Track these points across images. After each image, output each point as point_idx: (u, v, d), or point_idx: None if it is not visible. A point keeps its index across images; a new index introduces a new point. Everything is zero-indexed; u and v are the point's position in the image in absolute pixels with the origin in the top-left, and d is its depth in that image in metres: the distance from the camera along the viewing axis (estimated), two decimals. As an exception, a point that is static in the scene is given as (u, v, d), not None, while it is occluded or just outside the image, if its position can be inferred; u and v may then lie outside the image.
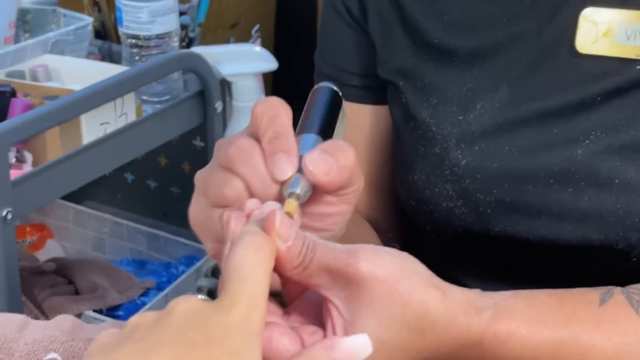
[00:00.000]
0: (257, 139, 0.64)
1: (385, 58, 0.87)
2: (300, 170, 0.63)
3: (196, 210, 0.67)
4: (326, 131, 0.67)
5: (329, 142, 0.64)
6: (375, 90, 0.92)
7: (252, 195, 0.63)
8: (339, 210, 0.66)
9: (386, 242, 0.96)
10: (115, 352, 0.49)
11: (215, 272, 1.26)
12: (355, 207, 0.95)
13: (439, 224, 0.82)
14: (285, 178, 0.62)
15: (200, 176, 0.68)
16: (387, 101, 0.92)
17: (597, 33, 0.76)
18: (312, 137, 0.66)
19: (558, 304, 0.63)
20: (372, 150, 0.95)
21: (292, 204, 0.61)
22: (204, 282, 1.26)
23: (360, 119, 0.94)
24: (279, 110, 0.64)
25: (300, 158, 0.63)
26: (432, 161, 0.81)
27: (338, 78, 0.93)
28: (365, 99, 0.93)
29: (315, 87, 0.71)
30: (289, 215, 0.60)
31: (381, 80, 0.90)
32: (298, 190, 0.62)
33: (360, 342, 0.56)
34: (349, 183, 0.64)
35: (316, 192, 0.64)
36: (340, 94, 0.70)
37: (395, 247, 0.84)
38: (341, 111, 0.71)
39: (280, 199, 0.62)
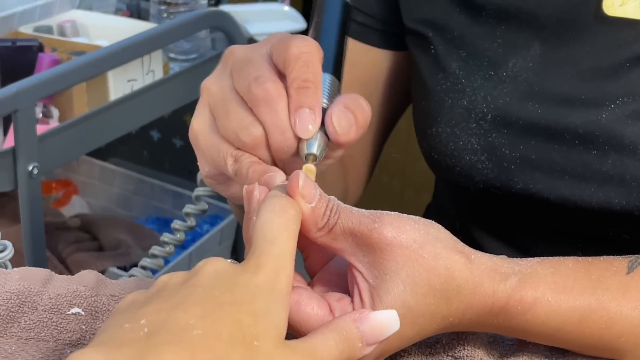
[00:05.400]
0: (280, 70, 0.62)
1: (412, 7, 0.86)
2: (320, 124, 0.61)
3: (202, 128, 0.65)
4: (339, 67, 0.66)
5: (349, 98, 0.63)
6: (377, 32, 0.91)
7: (269, 142, 0.62)
8: (334, 154, 0.65)
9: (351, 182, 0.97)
10: (143, 309, 0.49)
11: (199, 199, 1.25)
12: None
13: (460, 178, 0.82)
14: (308, 137, 0.61)
15: (211, 90, 0.64)
16: (385, 45, 0.91)
17: None
18: (327, 77, 0.63)
19: (585, 272, 0.63)
20: (361, 87, 0.93)
21: (310, 169, 0.60)
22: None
23: (355, 55, 0.92)
24: (315, 55, 0.62)
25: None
26: (458, 114, 0.80)
27: None
28: (364, 37, 0.92)
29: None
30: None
31: (388, 25, 0.89)
32: (315, 151, 0.61)
33: (389, 318, 0.56)
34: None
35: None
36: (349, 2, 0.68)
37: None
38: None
39: (294, 151, 0.61)
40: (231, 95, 0.62)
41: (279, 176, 0.60)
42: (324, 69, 0.64)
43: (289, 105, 0.61)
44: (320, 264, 0.62)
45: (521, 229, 0.85)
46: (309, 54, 0.61)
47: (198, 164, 0.67)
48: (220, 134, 0.63)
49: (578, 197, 0.77)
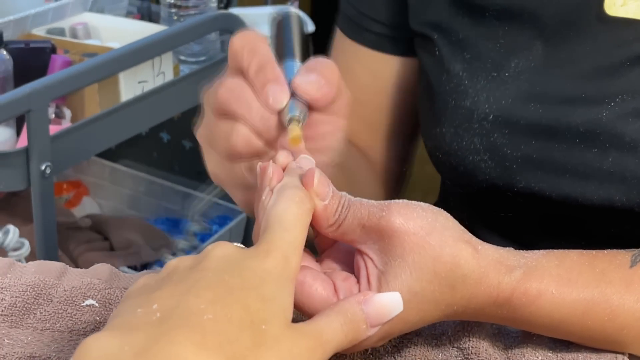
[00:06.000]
0: (241, 74, 0.64)
1: (419, 11, 0.88)
2: (292, 95, 0.63)
3: (213, 166, 0.67)
4: (304, 55, 0.67)
5: (310, 61, 0.65)
6: (397, 41, 0.93)
7: (255, 133, 0.63)
8: (336, 125, 0.66)
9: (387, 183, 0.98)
10: (155, 294, 0.50)
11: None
12: (364, 149, 0.96)
13: (463, 177, 0.83)
14: (282, 106, 0.62)
15: (201, 133, 0.67)
16: (407, 52, 0.92)
17: None
18: (293, 62, 0.65)
19: (589, 265, 0.64)
20: (386, 97, 0.95)
21: (295, 129, 0.61)
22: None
23: (378, 66, 0.94)
24: (257, 41, 0.64)
25: (289, 83, 0.63)
26: (461, 114, 0.82)
27: (358, 22, 0.93)
28: (385, 47, 0.94)
29: (277, 15, 0.71)
30: (295, 139, 0.61)
31: (405, 31, 0.91)
32: (297, 113, 0.62)
33: (393, 300, 0.57)
34: (338, 95, 0.65)
35: (311, 112, 0.64)
36: (299, 16, 0.71)
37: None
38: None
39: (281, 129, 0.63)
40: (212, 121, 0.65)
41: (282, 154, 0.62)
42: (290, 57, 0.66)
43: (255, 91, 0.63)
44: (330, 241, 0.63)
45: (525, 227, 0.86)
46: (250, 42, 0.63)
47: (234, 199, 0.70)
48: (224, 159, 0.65)
49: (580, 195, 0.78)
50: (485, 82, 0.81)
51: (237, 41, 0.63)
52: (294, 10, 0.71)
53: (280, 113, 0.62)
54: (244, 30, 0.64)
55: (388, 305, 0.57)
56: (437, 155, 0.85)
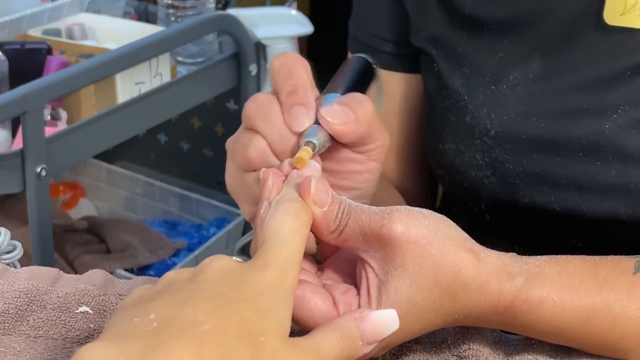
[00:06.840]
0: (276, 94, 0.64)
1: (419, 26, 0.87)
2: (318, 123, 0.63)
3: (230, 177, 0.67)
4: (351, 92, 0.67)
5: (346, 95, 0.65)
6: (407, 58, 0.92)
7: (273, 151, 0.63)
8: (366, 167, 0.66)
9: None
10: (151, 304, 0.50)
11: (245, 250, 1.26)
12: (384, 173, 0.95)
13: (467, 193, 0.83)
14: (302, 129, 0.62)
15: (229, 142, 0.67)
16: (419, 69, 0.92)
17: (626, 4, 0.76)
18: (335, 95, 0.66)
19: (592, 272, 0.63)
20: (401, 117, 0.95)
21: (306, 151, 0.61)
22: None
23: (391, 86, 0.94)
24: (296, 64, 0.64)
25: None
26: (462, 130, 0.81)
27: (371, 44, 0.93)
28: (397, 66, 0.93)
29: (349, 56, 0.71)
30: (300, 161, 0.60)
31: (414, 48, 0.90)
32: (314, 140, 0.62)
33: (389, 318, 0.57)
34: (370, 137, 0.65)
35: (338, 146, 0.64)
36: (375, 66, 0.71)
37: None
38: (377, 85, 0.72)
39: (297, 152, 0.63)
40: (239, 131, 0.66)
41: (287, 162, 0.62)
42: (334, 91, 0.66)
43: (282, 110, 0.63)
44: (332, 250, 0.63)
45: (530, 240, 0.85)
46: (289, 64, 0.64)
47: (241, 210, 0.70)
48: (240, 169, 0.65)
49: (584, 209, 0.78)
50: (484, 97, 0.80)
51: (276, 62, 0.64)
52: (371, 60, 0.71)
53: (300, 136, 0.62)
54: (286, 52, 0.65)
55: (384, 323, 0.57)
56: (440, 172, 0.85)
